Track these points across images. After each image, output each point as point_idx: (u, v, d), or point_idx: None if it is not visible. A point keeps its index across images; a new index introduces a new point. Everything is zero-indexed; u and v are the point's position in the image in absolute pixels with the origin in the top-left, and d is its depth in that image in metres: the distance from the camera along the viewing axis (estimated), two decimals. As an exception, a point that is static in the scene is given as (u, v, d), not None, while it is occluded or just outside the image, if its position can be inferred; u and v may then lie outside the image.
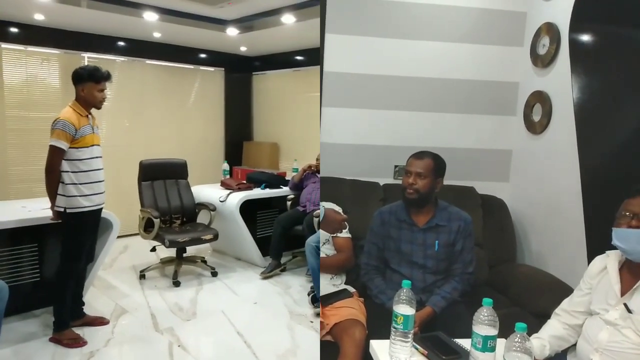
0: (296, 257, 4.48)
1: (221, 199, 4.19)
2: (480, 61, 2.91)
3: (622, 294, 1.52)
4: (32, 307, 3.18)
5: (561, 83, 2.53)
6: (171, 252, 4.14)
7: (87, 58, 4.97)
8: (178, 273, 3.92)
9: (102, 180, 2.76)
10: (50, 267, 3.05)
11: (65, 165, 2.60)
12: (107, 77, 2.72)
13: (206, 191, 4.48)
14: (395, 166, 2.94)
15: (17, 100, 4.60)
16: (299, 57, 5.72)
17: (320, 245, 2.49)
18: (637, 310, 1.45)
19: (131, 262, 4.37)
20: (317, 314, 3.10)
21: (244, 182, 4.61)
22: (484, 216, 2.74)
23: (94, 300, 3.39)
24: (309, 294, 3.54)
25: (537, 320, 1.86)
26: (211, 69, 6.10)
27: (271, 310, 3.43)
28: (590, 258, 1.81)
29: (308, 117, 5.59)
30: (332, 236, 2.42)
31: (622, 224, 1.52)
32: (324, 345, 2.04)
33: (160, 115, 5.65)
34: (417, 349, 1.50)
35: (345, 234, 2.41)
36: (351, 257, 2.40)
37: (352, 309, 2.09)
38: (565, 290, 2.02)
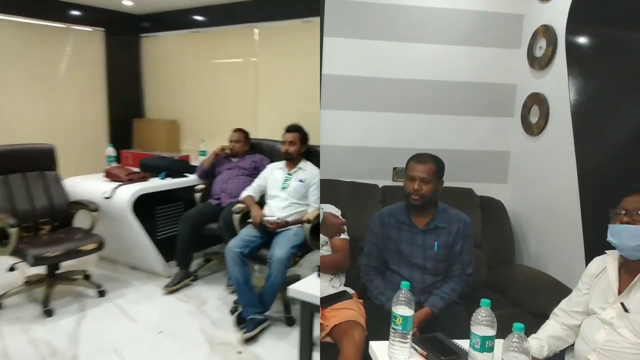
0: (210, 261, 3.71)
1: (106, 195, 3.27)
2: (478, 63, 2.92)
3: (620, 292, 1.53)
4: None
5: (558, 85, 2.54)
6: (41, 269, 3.10)
7: None
8: (50, 297, 2.95)
9: None
10: None
11: None
12: None
13: (85, 185, 3.50)
14: (394, 168, 2.96)
15: None
16: (199, 17, 4.73)
17: (321, 247, 2.50)
18: (634, 310, 1.46)
19: None
20: (246, 340, 2.64)
21: (137, 170, 3.70)
22: (482, 217, 2.75)
23: None
24: (232, 312, 2.97)
25: (535, 320, 1.86)
26: (87, 28, 4.87)
27: (183, 340, 2.64)
28: (588, 258, 1.83)
29: (215, 89, 4.77)
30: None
31: (615, 220, 1.54)
32: (324, 347, 2.05)
33: (20, 88, 4.45)
34: (416, 349, 1.50)
35: (343, 235, 2.41)
36: (346, 258, 2.40)
37: (351, 311, 2.10)
38: (563, 291, 2.03)
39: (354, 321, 2.02)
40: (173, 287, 3.30)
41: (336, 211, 2.42)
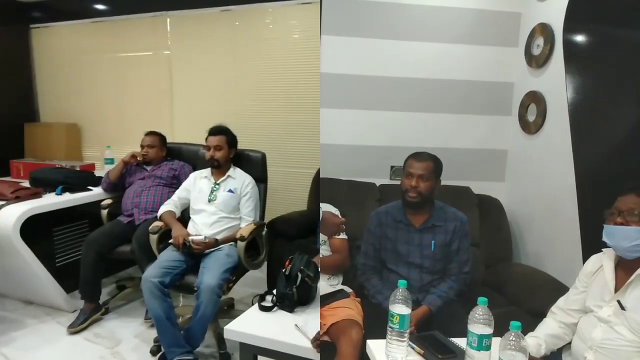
0: (124, 289, 3.19)
1: None
2: (475, 62, 2.92)
3: (616, 290, 1.53)
4: None
5: (555, 83, 2.54)
6: None
7: None
8: None
9: None
10: None
11: None
12: None
13: None
14: (392, 167, 2.95)
15: None
16: (99, 4, 4.22)
17: (319, 246, 2.50)
18: (630, 307, 1.47)
19: None
20: None
21: (26, 186, 3.15)
22: (480, 216, 2.75)
23: None
24: (152, 353, 2.54)
25: (533, 319, 1.87)
26: None
27: None
28: (585, 257, 1.83)
29: (122, 87, 4.26)
30: (329, 238, 2.43)
31: (609, 221, 1.54)
32: (321, 346, 2.05)
33: None
34: (413, 348, 1.51)
35: (341, 235, 2.41)
36: (347, 258, 2.41)
37: (349, 309, 2.10)
38: (560, 289, 2.03)
39: (352, 320, 2.02)
40: (78, 327, 2.78)
41: (335, 210, 2.42)
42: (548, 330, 1.68)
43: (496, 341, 1.32)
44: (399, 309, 1.43)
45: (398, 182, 2.24)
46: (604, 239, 1.56)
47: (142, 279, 2.43)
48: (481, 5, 2.87)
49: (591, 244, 1.98)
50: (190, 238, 2.57)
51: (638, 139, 2.08)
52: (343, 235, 2.43)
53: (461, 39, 2.89)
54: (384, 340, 1.49)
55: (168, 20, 3.97)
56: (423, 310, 2.03)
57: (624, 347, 1.47)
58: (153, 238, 2.66)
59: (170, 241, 2.65)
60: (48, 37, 4.60)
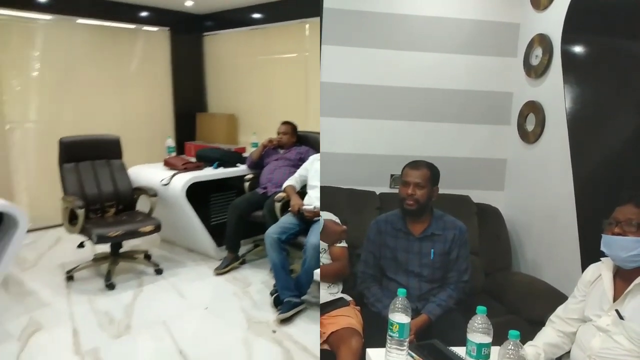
0: (258, 247, 3.88)
1: (163, 182, 3.54)
2: (475, 72, 2.95)
3: (615, 300, 1.54)
4: None
5: (554, 93, 2.57)
6: (106, 247, 3.47)
7: (2, 16, 4.02)
8: (112, 273, 3.28)
9: None
10: None
11: None
12: None
13: (147, 173, 3.80)
14: (392, 175, 2.97)
15: None
16: (256, 14, 4.88)
17: (320, 254, 2.51)
18: (629, 317, 1.47)
19: (61, 259, 3.64)
20: (281, 321, 2.79)
21: (192, 160, 3.95)
22: (479, 224, 2.76)
23: (2, 313, 2.79)
24: (271, 294, 3.10)
25: (532, 327, 1.87)
26: (154, 28, 5.13)
27: (225, 317, 2.87)
28: (584, 266, 1.83)
29: (269, 85, 4.91)
30: (329, 245, 2.44)
31: (607, 231, 1.55)
32: (322, 354, 2.05)
33: (95, 85, 4.75)
34: (412, 357, 1.51)
35: (341, 243, 2.42)
36: (346, 266, 2.42)
37: (348, 318, 2.10)
38: (559, 298, 2.04)
39: (351, 328, 2.03)
40: (222, 270, 3.51)
41: (335, 219, 2.43)
42: (547, 339, 1.68)
43: (495, 350, 1.32)
44: (399, 317, 1.43)
45: (398, 191, 2.25)
46: (602, 248, 1.57)
47: (265, 234, 3.01)
48: (480, 16, 2.90)
49: (590, 253, 1.99)
50: (304, 207, 3.06)
51: (636, 148, 2.10)
52: (343, 244, 2.44)
53: (460, 49, 2.91)
54: (384, 348, 1.49)
55: (307, 26, 4.50)
56: (422, 319, 2.03)
57: (623, 357, 1.47)
58: (277, 205, 3.28)
59: (289, 209, 3.17)
60: (215, 43, 5.48)
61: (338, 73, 2.87)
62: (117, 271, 3.37)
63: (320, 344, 2.08)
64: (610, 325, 1.51)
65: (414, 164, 2.16)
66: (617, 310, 1.50)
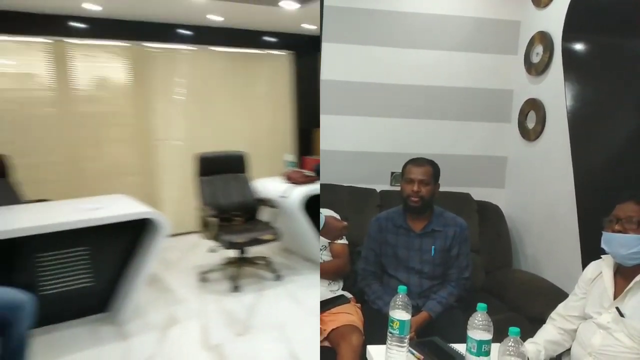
0: None
1: (282, 195, 3.78)
2: (476, 69, 2.95)
3: (615, 297, 1.54)
4: (85, 313, 2.98)
5: (554, 91, 2.56)
6: (234, 252, 3.79)
7: (152, 49, 4.73)
8: (238, 277, 3.58)
9: None
10: (103, 272, 2.94)
11: None
12: None
13: (269, 185, 4.10)
14: (392, 173, 2.97)
15: (86, 95, 4.48)
16: None
17: (321, 251, 2.51)
18: (629, 314, 1.48)
19: (196, 261, 4.08)
20: None
21: (310, 174, 4.10)
22: (480, 222, 2.76)
23: (146, 306, 3.17)
24: None
25: (532, 325, 1.88)
26: (279, 52, 5.58)
27: None
28: (584, 263, 1.84)
29: None
30: (329, 242, 2.44)
31: (608, 228, 1.55)
32: (322, 352, 2.06)
33: (228, 106, 5.28)
34: (413, 354, 1.51)
35: (341, 240, 2.43)
36: (347, 263, 2.42)
37: (349, 315, 2.11)
38: (560, 295, 2.05)
39: (352, 325, 2.03)
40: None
41: (336, 216, 2.43)
42: (547, 337, 1.68)
43: (495, 347, 1.32)
44: (399, 314, 1.43)
45: (398, 188, 2.25)
46: (603, 246, 1.57)
47: None
48: (481, 14, 2.89)
49: (590, 251, 1.99)
50: None
51: (637, 146, 2.09)
52: (343, 241, 2.44)
53: (461, 47, 2.91)
54: (384, 345, 1.49)
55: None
56: (423, 316, 2.03)
57: (623, 354, 1.47)
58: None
59: None
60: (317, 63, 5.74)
61: (338, 71, 2.87)
62: (241, 275, 3.65)
63: (321, 341, 2.08)
64: (611, 322, 1.51)
65: (417, 161, 2.16)
66: (617, 308, 1.51)
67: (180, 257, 4.22)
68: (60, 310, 2.86)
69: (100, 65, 4.49)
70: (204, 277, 3.70)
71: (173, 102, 4.88)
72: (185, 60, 4.92)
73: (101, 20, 4.33)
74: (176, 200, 4.82)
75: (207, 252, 4.02)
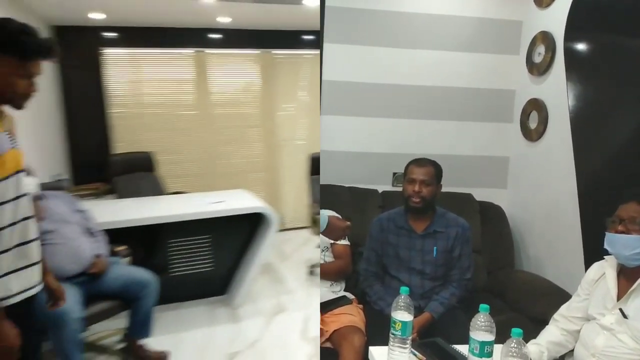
0: None
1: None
2: (477, 69, 2.94)
3: (619, 299, 1.53)
4: (205, 294, 3.33)
5: (557, 91, 2.55)
6: None
7: (278, 55, 4.99)
8: None
9: (37, 238, 1.51)
10: (222, 259, 3.30)
11: None
12: (45, 50, 1.44)
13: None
14: (394, 173, 2.96)
15: (222, 99, 4.91)
16: None
17: (322, 252, 2.51)
18: (633, 316, 1.47)
19: (307, 255, 4.24)
20: None
21: None
22: (482, 222, 2.75)
23: (258, 293, 3.42)
24: None
25: (534, 325, 1.87)
26: None
27: None
28: (587, 264, 1.83)
29: None
30: (332, 243, 2.44)
31: (611, 229, 1.55)
32: (323, 353, 2.05)
33: None
34: (415, 355, 1.51)
35: (344, 241, 2.42)
36: (349, 264, 2.41)
37: (351, 316, 2.10)
38: (562, 296, 2.04)
39: (354, 326, 2.03)
40: None
41: (337, 216, 2.42)
42: (550, 338, 1.68)
43: (498, 348, 1.32)
44: (401, 315, 1.43)
45: (400, 189, 2.25)
46: (606, 246, 1.56)
47: None
48: (482, 14, 2.89)
49: (593, 251, 1.99)
50: None
51: (639, 146, 2.09)
52: (345, 241, 2.44)
53: (463, 47, 2.90)
54: (387, 347, 1.49)
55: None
56: (425, 317, 2.03)
57: (627, 355, 1.46)
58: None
59: None
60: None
61: (340, 71, 2.86)
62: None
63: (322, 342, 2.08)
64: (614, 324, 1.50)
65: (419, 162, 2.16)
66: (620, 309, 1.50)
67: (294, 250, 4.43)
68: (184, 290, 3.25)
69: (234, 71, 4.96)
70: (312, 270, 3.81)
71: (297, 104, 5.16)
72: (308, 65, 5.13)
73: (233, 31, 4.75)
74: (295, 196, 5.04)
75: (315, 247, 4.13)
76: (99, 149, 4.57)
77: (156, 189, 4.13)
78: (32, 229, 1.46)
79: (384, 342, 1.51)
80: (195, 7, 3.84)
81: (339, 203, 2.62)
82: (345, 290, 2.35)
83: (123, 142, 4.66)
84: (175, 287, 3.16)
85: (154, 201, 3.60)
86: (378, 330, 1.85)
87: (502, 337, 1.33)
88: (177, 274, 3.19)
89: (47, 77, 4.24)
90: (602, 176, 2.25)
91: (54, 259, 2.20)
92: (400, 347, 1.45)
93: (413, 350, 1.51)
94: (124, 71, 4.65)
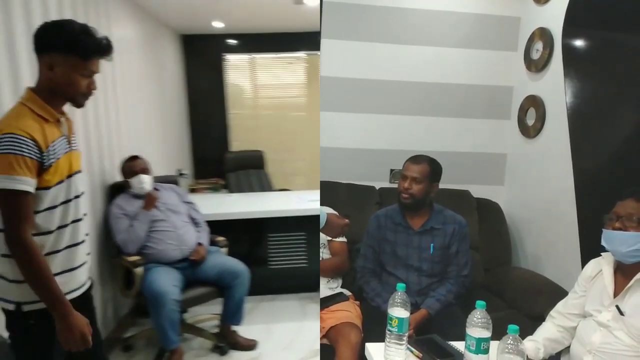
0: None
1: None
2: (475, 66, 2.93)
3: (615, 295, 1.53)
4: (298, 289, 3.44)
5: (554, 87, 2.55)
6: None
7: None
8: None
9: (86, 236, 1.55)
10: (315, 256, 3.27)
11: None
12: (103, 49, 1.44)
13: None
14: (391, 170, 2.96)
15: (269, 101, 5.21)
16: None
17: (320, 249, 2.50)
18: (629, 313, 1.47)
19: None
20: None
21: None
22: (479, 219, 2.75)
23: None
24: None
25: (531, 322, 1.87)
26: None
27: None
28: (584, 261, 1.83)
29: None
30: (329, 240, 2.44)
31: (608, 226, 1.55)
32: (321, 349, 2.05)
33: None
34: (412, 351, 1.51)
35: (341, 238, 2.42)
36: (346, 261, 2.41)
37: (348, 312, 2.10)
38: (559, 293, 2.04)
39: (350, 323, 2.03)
40: None
41: (335, 213, 2.42)
42: (547, 334, 1.68)
43: (494, 345, 1.32)
44: (398, 312, 1.43)
45: (397, 185, 2.25)
46: (603, 243, 1.56)
47: None
48: (481, 10, 2.88)
49: (590, 248, 1.99)
50: None
51: (637, 143, 2.09)
52: (343, 238, 2.44)
53: (461, 43, 2.90)
54: (383, 343, 1.49)
55: None
56: (422, 313, 2.03)
57: (623, 352, 1.47)
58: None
59: None
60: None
61: (338, 67, 2.85)
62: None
63: (320, 339, 2.08)
64: (611, 320, 1.51)
65: (415, 159, 2.16)
66: (617, 306, 1.50)
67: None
68: (280, 283, 3.41)
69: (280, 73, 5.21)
70: None
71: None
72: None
73: (281, 34, 4.91)
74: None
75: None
76: (218, 146, 5.07)
77: (264, 186, 4.47)
78: (82, 231, 1.51)
79: (381, 338, 1.51)
80: (304, 12, 3.99)
81: (337, 199, 2.62)
82: (342, 286, 2.35)
83: (238, 140, 5.15)
84: (272, 280, 3.37)
85: (258, 197, 3.94)
86: (375, 326, 1.85)
87: (498, 333, 1.33)
88: (274, 267, 3.38)
89: (176, 80, 4.84)
90: (600, 173, 2.25)
91: (162, 244, 2.58)
92: (397, 343, 1.45)
93: (409, 346, 1.51)
94: (242, 75, 5.14)
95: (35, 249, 1.32)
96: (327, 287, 2.31)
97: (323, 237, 2.44)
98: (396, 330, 1.43)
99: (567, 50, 2.43)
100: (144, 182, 2.65)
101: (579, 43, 2.40)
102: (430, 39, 2.88)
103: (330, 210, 2.42)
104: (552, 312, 1.74)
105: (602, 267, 1.62)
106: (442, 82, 2.92)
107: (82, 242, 1.51)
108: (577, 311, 1.66)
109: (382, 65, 2.88)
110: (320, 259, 2.43)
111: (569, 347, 1.66)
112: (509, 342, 1.26)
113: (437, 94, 2.93)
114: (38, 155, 1.30)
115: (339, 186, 2.78)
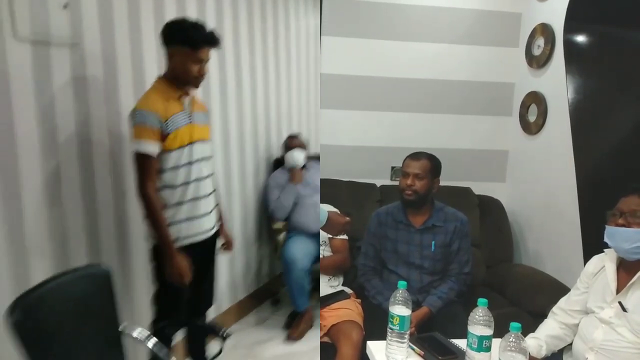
0: None
1: None
2: (476, 62, 2.92)
3: (618, 292, 1.53)
4: None
5: (556, 83, 2.54)
6: None
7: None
8: None
9: (210, 193, 1.88)
10: None
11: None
12: (209, 40, 1.75)
13: None
14: (392, 167, 2.95)
15: None
16: None
17: (321, 247, 2.50)
18: (632, 309, 1.46)
19: None
20: None
21: None
22: (480, 216, 2.74)
23: None
24: None
25: (533, 319, 1.86)
26: None
27: None
28: (586, 257, 1.82)
29: None
30: (330, 238, 2.43)
31: (611, 222, 1.54)
32: (322, 347, 2.05)
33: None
34: (413, 349, 1.50)
35: (342, 235, 2.41)
36: (347, 258, 2.41)
37: (349, 310, 2.10)
38: (561, 290, 2.03)
39: (352, 321, 2.02)
40: None
41: (336, 211, 2.41)
42: (549, 331, 1.67)
43: (496, 342, 1.31)
44: (399, 310, 1.42)
45: (398, 183, 2.24)
46: (606, 240, 1.55)
47: None
48: (481, 6, 2.86)
49: (592, 245, 1.98)
50: None
51: (639, 140, 2.08)
52: (344, 236, 2.43)
53: (462, 40, 2.88)
54: (384, 341, 1.48)
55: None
56: (423, 311, 2.02)
57: (625, 349, 1.46)
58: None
59: None
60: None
61: (338, 64, 2.84)
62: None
63: (321, 337, 2.07)
64: (613, 317, 1.50)
65: (415, 155, 2.15)
66: (620, 303, 1.49)
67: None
68: None
69: None
70: None
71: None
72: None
73: None
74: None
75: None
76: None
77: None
78: (205, 188, 1.84)
79: (382, 336, 1.50)
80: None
81: (337, 197, 2.61)
82: (343, 284, 2.34)
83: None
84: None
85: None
86: (376, 324, 1.85)
87: (500, 331, 1.32)
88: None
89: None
90: (602, 169, 2.24)
91: (303, 217, 2.87)
92: (398, 341, 1.44)
93: (411, 344, 1.50)
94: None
95: (155, 202, 1.70)
96: (328, 285, 2.30)
97: (324, 235, 2.44)
98: (397, 328, 1.43)
99: (569, 46, 2.41)
100: (295, 158, 2.91)
101: (580, 39, 2.38)
102: (431, 35, 2.87)
103: (331, 208, 2.41)
104: (554, 309, 1.73)
105: (604, 263, 1.61)
106: (443, 79, 2.91)
107: (205, 196, 1.84)
108: (579, 308, 1.65)
109: (383, 63, 2.87)
110: (321, 256, 2.43)
111: (571, 344, 1.66)
112: (511, 339, 1.25)
113: (438, 91, 2.92)
114: (159, 125, 1.66)
115: (340, 184, 2.77)
